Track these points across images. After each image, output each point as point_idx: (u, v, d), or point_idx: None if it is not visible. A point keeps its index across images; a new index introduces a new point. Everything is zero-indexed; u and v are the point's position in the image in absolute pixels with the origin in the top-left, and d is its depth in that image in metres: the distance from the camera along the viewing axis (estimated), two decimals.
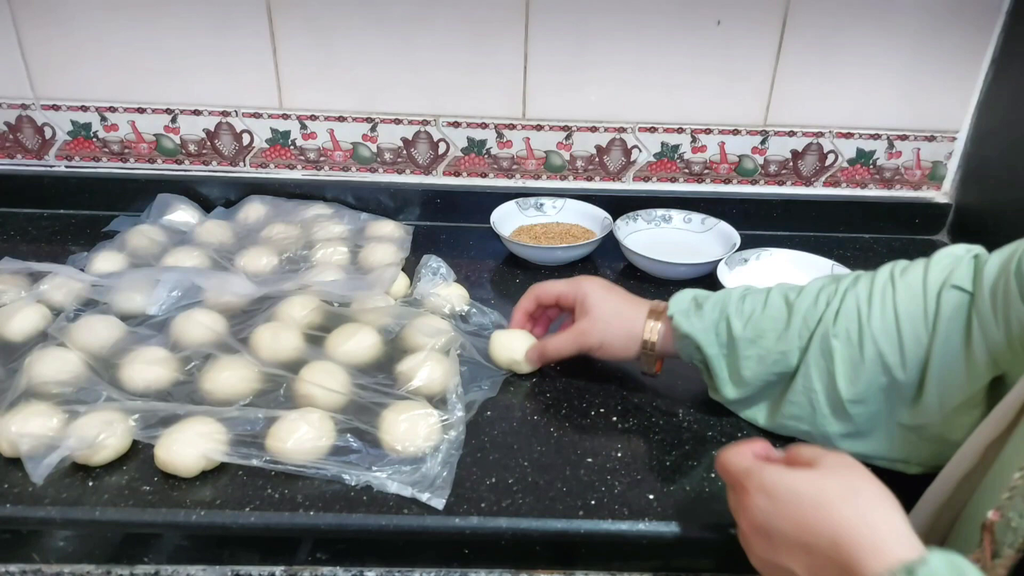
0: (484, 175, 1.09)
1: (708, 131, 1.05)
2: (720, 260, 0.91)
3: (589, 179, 1.09)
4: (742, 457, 0.48)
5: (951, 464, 0.51)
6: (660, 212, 1.05)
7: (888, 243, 1.07)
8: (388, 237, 0.99)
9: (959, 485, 0.50)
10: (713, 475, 0.64)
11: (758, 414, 0.68)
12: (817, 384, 0.62)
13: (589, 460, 0.65)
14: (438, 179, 1.09)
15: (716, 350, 0.66)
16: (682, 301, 0.68)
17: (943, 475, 0.51)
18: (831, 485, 0.43)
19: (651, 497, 0.62)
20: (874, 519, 0.41)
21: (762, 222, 1.08)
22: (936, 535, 0.52)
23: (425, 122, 1.04)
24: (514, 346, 0.75)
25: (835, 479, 0.43)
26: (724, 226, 1.01)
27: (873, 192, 1.10)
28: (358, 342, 0.75)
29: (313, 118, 1.04)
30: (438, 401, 0.69)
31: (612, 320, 0.70)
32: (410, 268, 0.91)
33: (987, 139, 1.03)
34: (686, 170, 1.09)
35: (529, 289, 0.77)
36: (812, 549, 0.41)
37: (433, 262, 0.90)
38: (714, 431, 0.70)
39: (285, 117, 1.04)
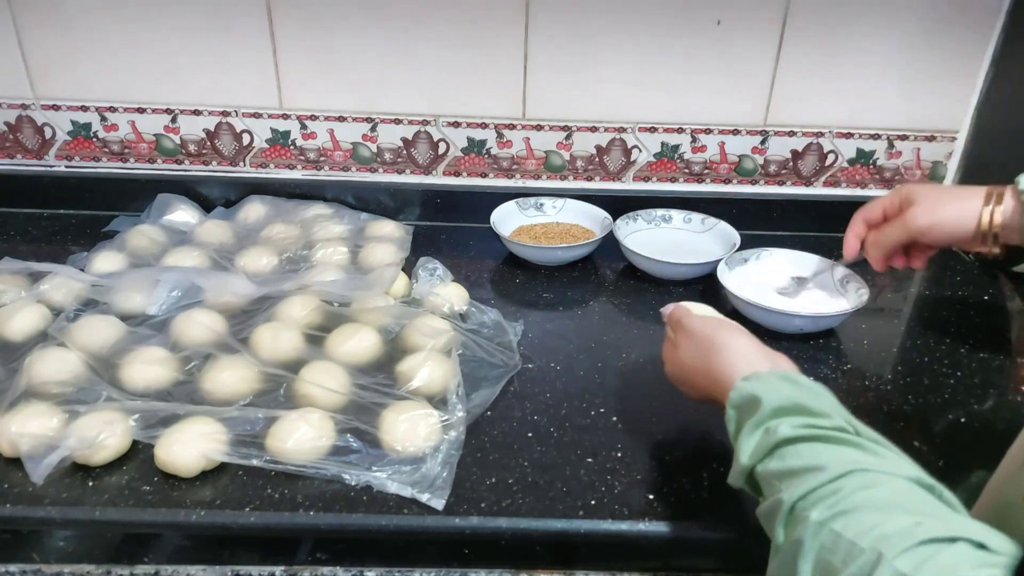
0: (484, 175, 1.09)
1: (708, 131, 1.05)
2: (720, 260, 0.91)
3: (589, 179, 1.09)
4: (678, 308, 0.69)
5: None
6: (660, 212, 1.05)
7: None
8: (388, 237, 0.99)
9: None
10: (713, 475, 0.64)
11: None
12: None
13: (589, 460, 0.65)
14: (438, 179, 1.09)
15: None
16: None
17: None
18: (719, 336, 0.60)
19: (651, 497, 0.62)
20: (738, 364, 0.57)
21: (762, 222, 1.08)
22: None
23: (425, 122, 1.04)
24: None
25: (723, 333, 0.60)
26: (724, 226, 1.01)
27: (873, 192, 1.10)
28: (358, 342, 0.75)
29: (313, 118, 1.04)
30: (438, 401, 0.69)
31: (942, 200, 0.71)
32: (410, 268, 0.91)
33: (987, 139, 1.03)
34: (686, 170, 1.09)
35: (853, 219, 0.79)
36: (703, 375, 0.60)
37: (430, 263, 0.90)
38: (714, 431, 0.70)
39: (285, 117, 1.04)
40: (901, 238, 0.73)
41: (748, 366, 0.56)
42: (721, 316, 0.68)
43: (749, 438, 0.51)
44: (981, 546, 0.39)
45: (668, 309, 0.70)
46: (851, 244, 0.79)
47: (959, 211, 0.71)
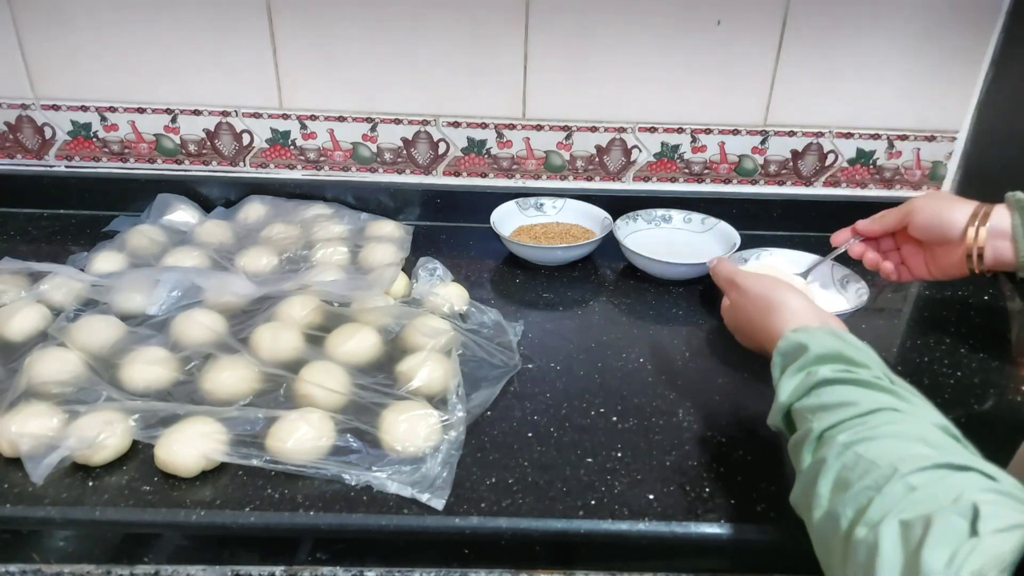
0: (484, 175, 1.09)
1: (708, 131, 1.05)
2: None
3: (589, 179, 1.09)
4: (723, 264, 0.74)
5: None
6: (660, 212, 1.05)
7: None
8: (388, 237, 0.99)
9: None
10: (713, 475, 0.64)
11: None
12: None
13: (589, 460, 0.66)
14: (438, 179, 1.09)
15: None
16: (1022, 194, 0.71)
17: None
18: (775, 296, 0.64)
19: (651, 497, 0.62)
20: (791, 321, 0.61)
21: (762, 222, 1.08)
22: None
23: (425, 122, 1.04)
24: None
25: (779, 293, 0.64)
26: (724, 226, 1.01)
27: (873, 192, 1.10)
28: (358, 342, 0.75)
29: (313, 118, 1.04)
30: (438, 401, 0.69)
31: (942, 204, 0.75)
32: (410, 268, 0.91)
33: (987, 139, 1.03)
34: (686, 170, 1.09)
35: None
36: (760, 330, 0.65)
37: (430, 263, 0.90)
38: (714, 431, 0.70)
39: (285, 117, 1.04)
40: (894, 221, 0.78)
41: (799, 322, 0.60)
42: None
43: (791, 379, 0.55)
44: (991, 478, 0.43)
45: (713, 263, 0.76)
46: (843, 234, 0.83)
47: (953, 218, 0.73)
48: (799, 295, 0.64)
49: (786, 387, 0.55)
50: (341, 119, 1.04)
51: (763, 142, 1.06)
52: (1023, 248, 0.70)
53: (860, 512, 0.43)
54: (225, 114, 1.04)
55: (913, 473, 0.43)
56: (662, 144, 1.06)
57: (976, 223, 0.72)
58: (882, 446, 0.46)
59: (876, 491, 0.43)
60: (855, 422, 0.49)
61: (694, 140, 1.06)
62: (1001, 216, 0.71)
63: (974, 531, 0.39)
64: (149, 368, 0.71)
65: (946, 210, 0.74)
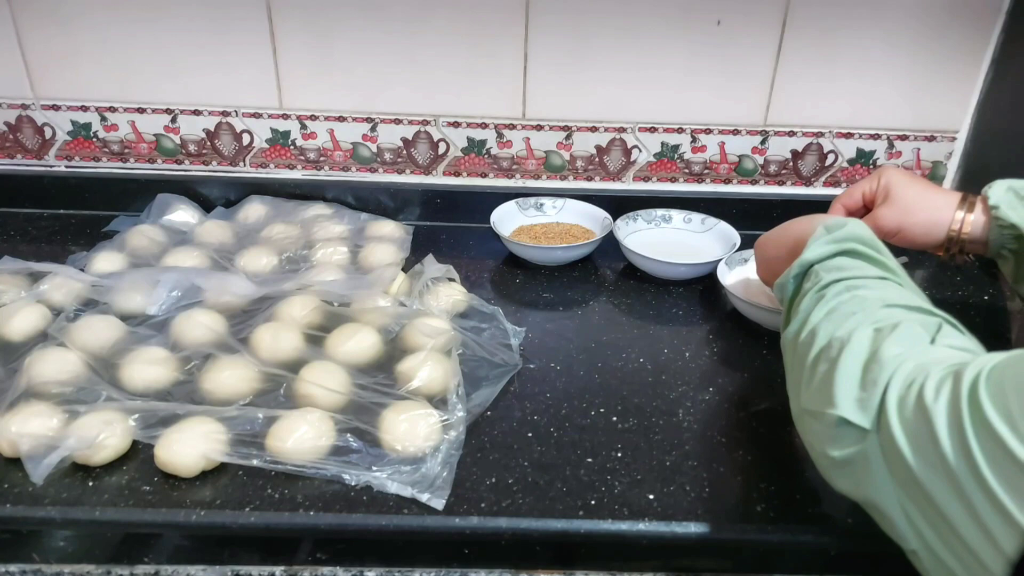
0: (484, 175, 1.09)
1: (708, 131, 1.05)
2: (720, 260, 0.91)
3: (589, 179, 1.09)
4: None
5: None
6: (660, 212, 1.05)
7: (887, 243, 1.07)
8: (388, 237, 0.99)
9: None
10: (713, 475, 0.64)
11: None
12: None
13: (589, 460, 0.65)
14: (438, 179, 1.09)
15: None
16: (1001, 191, 0.69)
17: None
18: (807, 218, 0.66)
19: (651, 497, 0.62)
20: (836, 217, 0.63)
21: (762, 222, 1.07)
22: None
23: (425, 122, 1.04)
24: None
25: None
26: (724, 226, 1.01)
27: None
28: (358, 342, 0.75)
29: (313, 118, 1.04)
30: (438, 401, 0.69)
31: (913, 207, 0.71)
32: (410, 268, 0.91)
33: (987, 139, 1.03)
34: (686, 170, 1.09)
35: (832, 205, 0.79)
36: (804, 224, 0.65)
37: (432, 261, 0.90)
38: (714, 431, 0.70)
39: (285, 117, 1.04)
40: (866, 197, 0.76)
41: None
42: None
43: (823, 245, 0.59)
44: (961, 331, 0.50)
45: None
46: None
47: (928, 220, 0.71)
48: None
49: (816, 249, 0.59)
50: (341, 119, 1.04)
51: (763, 142, 1.06)
52: (995, 231, 0.70)
53: (840, 325, 0.51)
54: (225, 114, 1.04)
55: (895, 306, 0.51)
56: (662, 144, 1.06)
57: (963, 213, 0.71)
58: (877, 292, 0.53)
59: (860, 312, 0.51)
60: (862, 280, 0.54)
61: (694, 140, 1.06)
62: (979, 215, 0.71)
63: (932, 341, 0.47)
64: (149, 368, 0.71)
65: (917, 224, 0.72)
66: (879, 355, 0.46)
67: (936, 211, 0.71)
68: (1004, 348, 0.85)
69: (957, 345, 0.47)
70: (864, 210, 0.78)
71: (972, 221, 0.70)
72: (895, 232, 0.72)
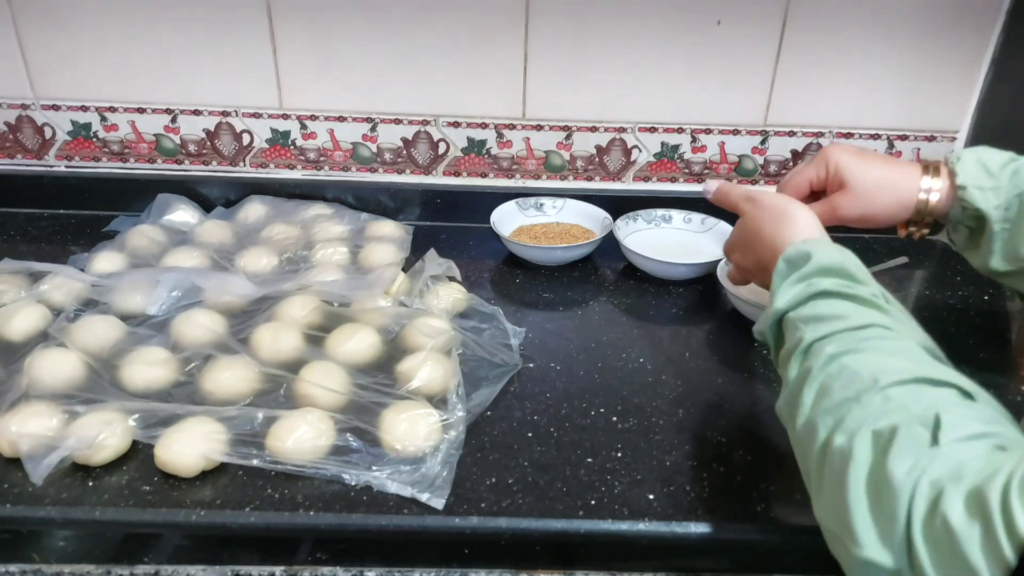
0: (484, 175, 1.09)
1: (708, 131, 1.05)
2: (720, 260, 0.91)
3: (589, 179, 1.09)
4: (729, 186, 0.69)
5: None
6: (660, 212, 1.05)
7: (887, 243, 1.07)
8: (388, 237, 0.99)
9: None
10: (713, 475, 0.64)
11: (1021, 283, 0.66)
12: None
13: (589, 460, 0.65)
14: (438, 179, 1.09)
15: (1000, 225, 0.63)
16: (970, 166, 0.64)
17: None
18: (791, 209, 0.62)
19: (651, 497, 0.62)
20: (801, 235, 0.59)
21: None
22: None
23: (425, 122, 1.04)
24: None
25: (795, 206, 0.62)
26: (724, 226, 1.01)
27: None
28: (358, 342, 0.75)
29: (313, 118, 1.04)
30: (438, 401, 0.69)
31: (875, 191, 0.66)
32: (410, 268, 0.91)
33: (987, 139, 1.03)
34: (686, 170, 1.09)
35: (778, 189, 0.72)
36: (767, 240, 0.61)
37: (434, 256, 0.90)
38: (714, 431, 0.70)
39: (285, 117, 1.04)
40: (822, 219, 0.66)
41: (808, 236, 0.59)
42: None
43: (791, 287, 0.55)
44: (967, 394, 0.44)
45: (713, 186, 0.71)
46: None
47: (892, 202, 0.67)
48: (811, 213, 0.62)
49: (785, 295, 0.55)
50: (341, 119, 1.04)
51: (763, 142, 1.06)
52: (956, 208, 0.65)
53: (839, 422, 0.45)
54: (225, 114, 1.04)
55: (891, 386, 0.44)
56: (662, 144, 1.06)
57: (928, 191, 0.66)
58: (867, 359, 0.47)
59: (855, 402, 0.45)
60: (845, 335, 0.49)
61: (694, 140, 1.06)
62: (944, 186, 0.66)
63: (935, 440, 0.41)
64: (149, 368, 0.71)
65: (882, 207, 0.67)
66: (888, 476, 0.41)
67: (899, 191, 0.66)
68: (1004, 348, 0.85)
69: (963, 434, 0.41)
70: (812, 196, 0.72)
71: (938, 200, 0.65)
72: (858, 220, 0.68)
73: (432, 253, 0.91)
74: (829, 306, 0.52)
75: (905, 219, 0.68)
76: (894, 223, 0.68)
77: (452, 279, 0.90)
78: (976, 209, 0.63)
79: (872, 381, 0.45)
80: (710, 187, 0.71)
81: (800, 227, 0.60)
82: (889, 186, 0.66)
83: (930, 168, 0.66)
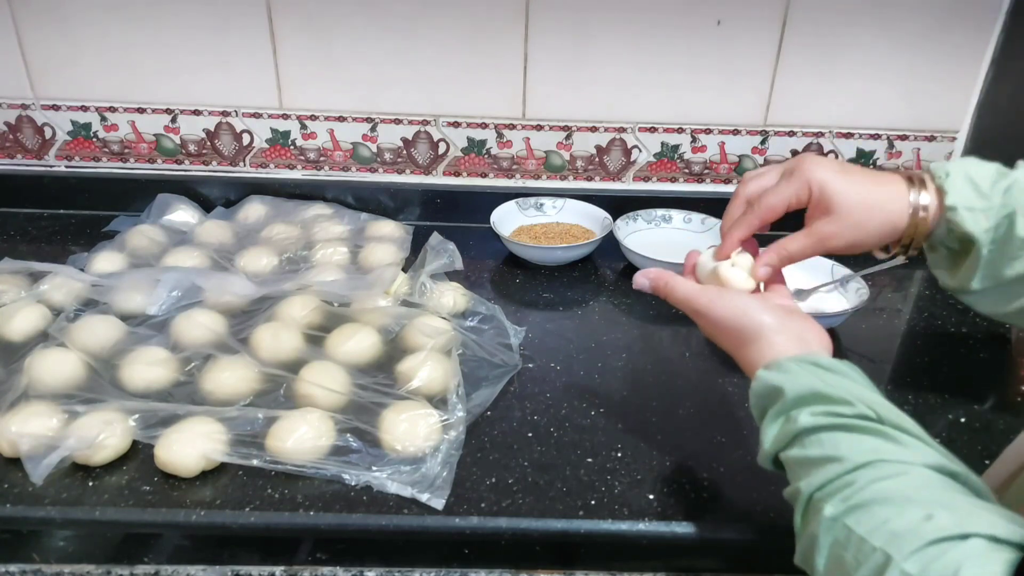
0: (484, 175, 1.09)
1: (708, 131, 1.05)
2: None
3: (589, 179, 1.09)
4: (680, 285, 0.59)
5: None
6: (660, 212, 1.05)
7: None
8: (388, 237, 0.99)
9: None
10: (713, 475, 0.64)
11: (989, 304, 0.59)
12: None
13: (589, 460, 0.65)
14: (438, 179, 1.09)
15: (988, 248, 0.56)
16: (959, 185, 0.56)
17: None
18: (748, 329, 0.55)
19: (651, 497, 0.62)
20: (766, 354, 0.54)
21: None
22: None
23: (425, 122, 1.04)
24: (732, 279, 0.60)
25: (752, 322, 0.55)
26: None
27: None
28: (358, 342, 0.75)
29: (313, 118, 1.04)
30: (438, 401, 0.69)
31: (867, 215, 0.57)
32: (410, 268, 0.91)
33: (987, 139, 1.03)
34: (686, 170, 1.09)
35: (742, 214, 0.61)
36: (736, 358, 0.57)
37: (437, 241, 0.90)
38: (714, 431, 0.70)
39: (285, 117, 1.04)
40: (808, 252, 0.60)
41: (773, 353, 0.53)
42: (731, 277, 0.60)
43: (771, 426, 0.51)
44: (994, 539, 0.38)
45: (646, 282, 0.61)
46: (732, 245, 0.62)
47: (884, 224, 0.57)
48: (771, 313, 0.55)
49: (768, 434, 0.51)
50: (341, 119, 1.04)
51: (763, 142, 1.06)
52: (942, 228, 0.58)
53: None
54: (225, 114, 1.04)
55: (909, 558, 0.39)
56: (662, 144, 1.06)
57: (917, 213, 0.57)
58: (872, 516, 0.42)
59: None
60: (841, 482, 0.44)
61: (694, 140, 1.06)
62: (933, 201, 0.58)
63: None
64: (149, 368, 0.71)
65: (874, 231, 0.58)
66: None
67: (889, 211, 0.57)
68: (1004, 348, 0.85)
69: None
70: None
71: (930, 217, 0.57)
72: (847, 249, 0.58)
73: (436, 236, 0.91)
74: (818, 443, 0.47)
75: (894, 241, 0.59)
76: (881, 245, 0.59)
77: (454, 272, 0.90)
78: (965, 232, 0.56)
79: (885, 557, 0.40)
80: (643, 283, 0.61)
81: (764, 345, 0.54)
82: (878, 206, 0.57)
83: (915, 181, 0.58)
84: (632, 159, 1.08)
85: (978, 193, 0.56)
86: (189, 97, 1.03)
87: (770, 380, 0.52)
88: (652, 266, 0.93)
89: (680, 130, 1.05)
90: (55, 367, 0.69)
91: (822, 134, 1.06)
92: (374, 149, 1.06)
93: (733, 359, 0.57)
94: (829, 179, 0.57)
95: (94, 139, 1.05)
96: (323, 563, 0.64)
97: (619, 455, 0.66)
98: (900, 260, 0.61)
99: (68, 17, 0.97)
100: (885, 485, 0.43)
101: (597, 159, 1.07)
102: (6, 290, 0.82)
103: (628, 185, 1.10)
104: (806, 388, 0.49)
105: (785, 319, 0.55)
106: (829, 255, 0.64)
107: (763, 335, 0.54)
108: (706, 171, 1.09)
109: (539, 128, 1.05)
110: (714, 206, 1.05)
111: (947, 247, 0.60)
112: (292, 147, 1.06)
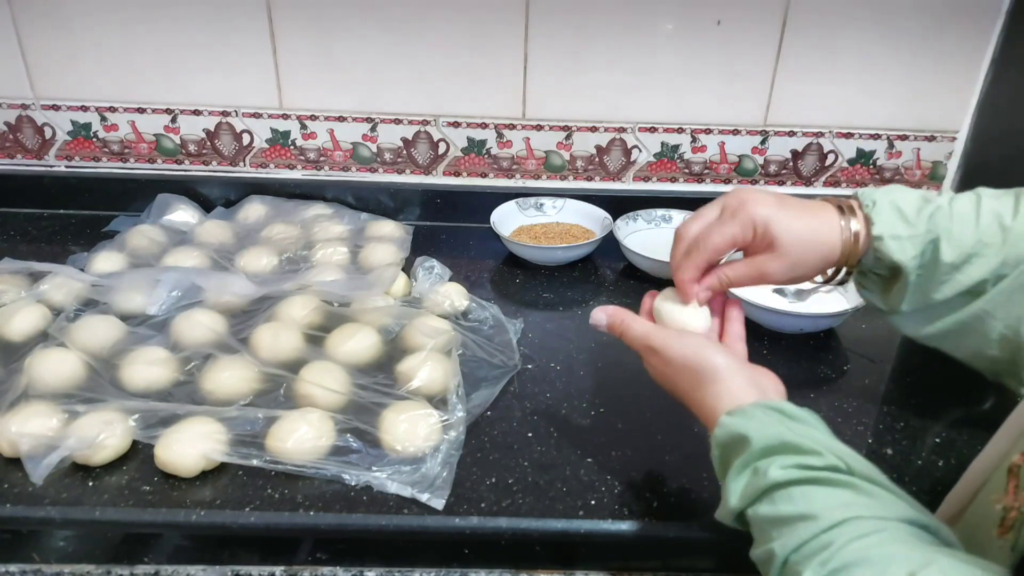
0: (484, 175, 1.09)
1: (708, 131, 1.05)
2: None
3: (589, 179, 1.09)
4: (636, 324, 0.60)
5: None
6: (660, 212, 1.05)
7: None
8: (388, 237, 0.99)
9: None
10: (713, 475, 0.64)
11: (912, 325, 0.61)
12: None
13: (589, 460, 0.65)
14: (438, 179, 1.09)
15: (915, 273, 0.57)
16: (886, 215, 0.57)
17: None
18: (704, 370, 0.55)
19: (651, 497, 0.62)
20: (723, 399, 0.54)
21: None
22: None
23: (425, 122, 1.04)
24: (688, 320, 0.61)
25: (706, 363, 0.55)
26: None
27: None
28: (358, 342, 0.75)
29: (313, 118, 1.04)
30: (438, 401, 0.69)
31: (806, 248, 0.58)
32: (410, 268, 0.91)
33: (987, 139, 1.03)
34: (686, 170, 1.09)
35: (687, 254, 0.60)
36: (689, 403, 0.57)
37: (427, 262, 0.90)
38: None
39: (285, 117, 1.04)
40: (746, 282, 0.60)
41: (732, 400, 0.53)
42: (685, 314, 0.61)
43: (738, 478, 0.49)
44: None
45: (603, 319, 0.62)
46: (689, 292, 0.61)
47: (821, 256, 0.58)
48: (726, 356, 0.56)
49: (734, 488, 0.49)
50: (341, 119, 1.04)
51: (763, 142, 1.06)
52: (870, 256, 0.59)
53: None
54: (225, 114, 1.04)
55: None
56: (662, 144, 1.06)
57: (849, 245, 0.58)
58: None
59: None
60: (818, 543, 0.43)
61: (694, 140, 1.06)
62: (862, 231, 0.59)
63: None
64: (149, 368, 0.71)
65: (812, 267, 0.59)
66: None
67: (824, 243, 0.58)
68: None
69: None
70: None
71: (860, 245, 0.58)
72: (786, 281, 0.60)
73: (422, 260, 0.90)
74: (790, 499, 0.46)
75: (830, 268, 0.60)
76: (815, 275, 0.60)
77: (454, 273, 0.90)
78: (892, 261, 0.57)
79: None
80: (600, 319, 0.62)
81: (719, 388, 0.54)
82: (815, 238, 0.58)
83: (845, 209, 0.58)
84: (632, 159, 1.08)
85: (904, 220, 0.57)
86: (189, 97, 1.03)
87: (734, 427, 0.50)
88: (652, 266, 0.94)
89: (680, 130, 1.05)
90: (55, 367, 0.70)
91: (822, 134, 1.06)
92: (374, 149, 1.06)
93: (685, 404, 0.57)
94: (772, 217, 0.58)
95: (94, 139, 1.05)
96: (323, 563, 0.64)
97: (619, 455, 0.66)
98: (832, 287, 0.61)
99: (68, 17, 0.97)
100: (863, 544, 0.42)
101: (597, 159, 1.08)
102: (6, 290, 0.82)
103: (628, 185, 1.10)
104: (774, 438, 0.48)
105: (741, 363, 0.56)
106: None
107: (720, 376, 0.54)
108: (706, 171, 1.09)
109: (539, 128, 1.05)
110: None
111: (876, 273, 0.60)
112: (292, 147, 1.06)
